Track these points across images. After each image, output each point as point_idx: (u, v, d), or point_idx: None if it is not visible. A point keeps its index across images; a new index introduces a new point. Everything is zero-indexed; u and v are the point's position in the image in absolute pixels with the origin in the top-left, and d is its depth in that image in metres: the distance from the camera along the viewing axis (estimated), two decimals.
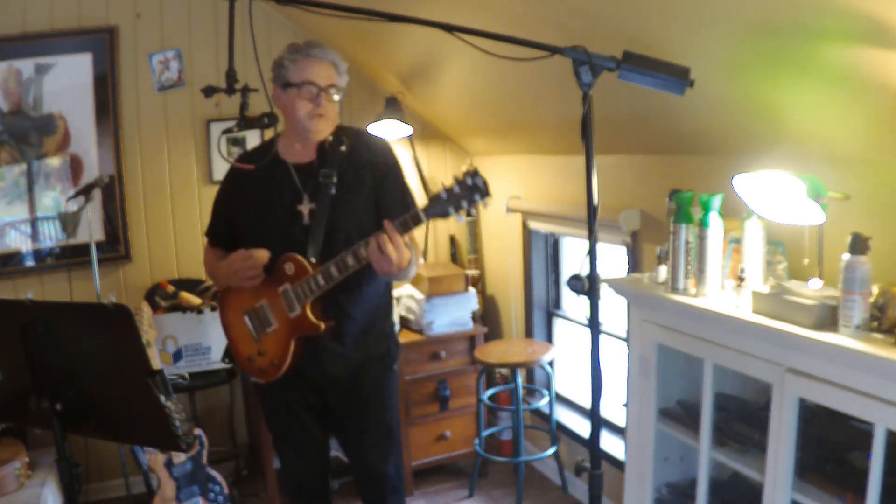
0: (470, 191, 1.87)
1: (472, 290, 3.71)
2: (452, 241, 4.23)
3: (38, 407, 1.68)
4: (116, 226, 3.55)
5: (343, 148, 2.18)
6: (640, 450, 2.35)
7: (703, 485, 2.10)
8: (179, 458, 2.88)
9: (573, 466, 3.47)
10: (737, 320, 1.89)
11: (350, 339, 2.24)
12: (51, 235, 3.47)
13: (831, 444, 1.79)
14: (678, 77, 1.56)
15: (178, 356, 3.26)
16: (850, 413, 1.64)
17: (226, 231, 2.33)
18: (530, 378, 3.87)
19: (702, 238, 2.08)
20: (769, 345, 1.82)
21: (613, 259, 3.20)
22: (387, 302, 2.38)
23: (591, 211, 1.57)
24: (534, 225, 3.70)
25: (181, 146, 3.65)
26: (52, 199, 3.45)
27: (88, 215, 3.22)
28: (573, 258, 3.71)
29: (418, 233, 2.10)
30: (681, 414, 2.26)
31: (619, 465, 2.97)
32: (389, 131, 3.78)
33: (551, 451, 3.40)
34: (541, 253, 3.79)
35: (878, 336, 1.63)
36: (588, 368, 1.63)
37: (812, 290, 1.83)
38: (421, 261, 2.27)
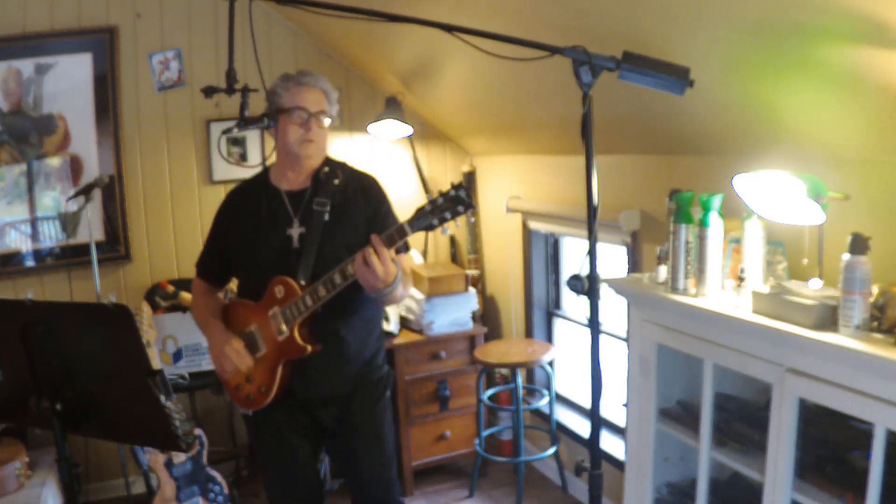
0: (454, 203, 1.89)
1: (472, 290, 3.71)
2: (452, 241, 4.23)
3: (38, 407, 1.68)
4: (116, 226, 3.55)
5: (337, 181, 2.24)
6: (640, 450, 2.35)
7: (703, 485, 2.10)
8: (179, 458, 2.88)
9: (573, 466, 3.47)
10: (737, 320, 1.89)
11: (344, 362, 2.24)
12: (51, 235, 3.47)
13: (831, 444, 1.79)
14: (678, 77, 1.56)
15: (178, 356, 3.26)
16: (850, 413, 1.64)
17: (217, 265, 2.38)
18: (530, 378, 3.87)
19: (702, 238, 2.08)
20: (769, 345, 1.82)
21: (613, 259, 3.20)
22: (379, 328, 2.38)
23: (591, 211, 1.57)
24: (534, 225, 3.70)
25: (181, 146, 3.65)
26: (52, 199, 3.45)
27: (88, 215, 3.22)
28: (573, 258, 3.71)
29: (419, 234, 2.11)
30: (681, 414, 2.26)
31: (619, 465, 2.97)
32: (389, 131, 3.78)
33: (551, 451, 3.40)
34: (541, 253, 3.79)
35: (878, 336, 1.63)
36: (588, 368, 1.63)
37: (812, 290, 1.83)
38: (410, 288, 2.29)
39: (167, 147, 3.64)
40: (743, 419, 2.04)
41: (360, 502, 2.37)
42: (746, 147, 2.27)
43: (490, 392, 3.70)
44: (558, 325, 3.81)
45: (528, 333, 3.83)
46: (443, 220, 1.91)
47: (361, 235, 2.18)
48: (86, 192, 3.14)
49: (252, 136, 3.71)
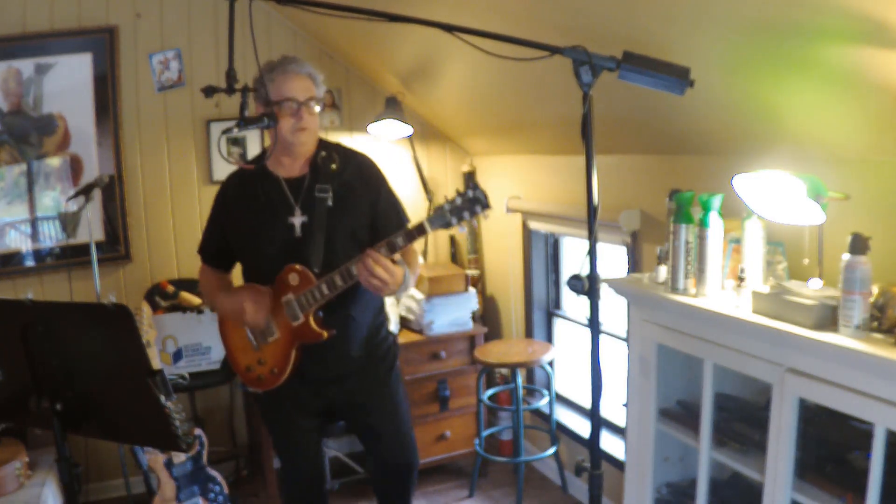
0: (471, 202, 1.99)
1: (472, 290, 3.71)
2: (452, 241, 4.23)
3: (38, 407, 1.68)
4: (116, 226, 3.55)
5: (334, 165, 2.27)
6: (640, 450, 2.35)
7: (703, 485, 2.10)
8: (179, 458, 2.88)
9: (573, 466, 3.46)
10: (737, 320, 1.89)
11: (355, 342, 2.32)
12: (51, 235, 3.47)
13: (831, 444, 1.79)
14: (678, 77, 1.56)
15: (178, 356, 3.26)
16: (850, 413, 1.64)
17: (219, 250, 2.41)
18: (530, 378, 3.87)
19: (702, 238, 2.08)
20: (769, 345, 1.82)
21: (613, 259, 3.20)
22: (381, 301, 2.46)
23: (591, 211, 1.57)
24: (534, 225, 3.70)
25: (181, 146, 3.65)
26: (52, 199, 3.45)
27: (88, 215, 3.22)
28: (573, 258, 3.71)
29: None
30: (681, 414, 2.26)
31: (619, 465, 2.97)
32: (389, 131, 3.78)
33: (551, 451, 3.40)
34: (541, 253, 3.79)
35: (878, 336, 1.63)
36: (588, 368, 1.63)
37: (812, 290, 1.83)
38: (420, 262, 2.37)
39: (167, 147, 3.64)
40: (743, 419, 2.04)
41: (383, 468, 2.49)
42: (746, 147, 2.27)
43: (490, 392, 3.70)
44: (558, 325, 3.81)
45: (528, 333, 3.83)
46: (461, 219, 2.00)
47: (366, 220, 2.27)
48: (86, 192, 3.14)
49: (252, 136, 3.71)
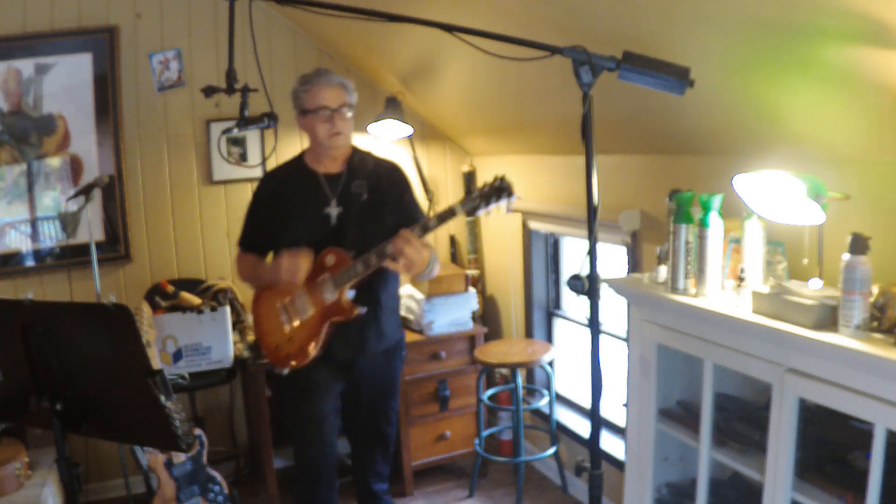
0: (498, 191, 2.23)
1: (472, 290, 3.71)
2: (452, 241, 4.23)
3: (38, 407, 1.68)
4: (116, 226, 3.55)
5: (369, 165, 2.56)
6: (640, 450, 2.35)
7: (703, 485, 2.10)
8: (179, 458, 2.88)
9: (573, 466, 3.47)
10: (737, 320, 1.89)
11: (380, 323, 2.54)
12: (51, 235, 3.47)
13: (831, 444, 1.79)
14: (678, 77, 1.56)
15: (178, 356, 3.26)
16: (850, 413, 1.64)
17: (261, 238, 2.59)
18: (530, 378, 3.87)
19: (702, 238, 2.08)
20: (769, 345, 1.82)
21: (613, 259, 3.20)
22: (399, 296, 2.71)
23: (591, 211, 1.57)
24: (534, 225, 3.70)
25: (181, 146, 3.65)
26: (52, 199, 3.45)
27: (88, 215, 3.22)
28: (573, 258, 3.71)
29: None
30: (681, 414, 2.26)
31: (619, 465, 2.97)
32: (389, 131, 3.78)
33: (551, 451, 3.40)
34: (541, 253, 3.79)
35: (878, 336, 1.63)
36: (588, 368, 1.63)
37: (812, 290, 1.83)
38: (438, 265, 2.59)
39: (167, 147, 3.64)
40: (743, 419, 2.04)
41: (365, 435, 2.67)
42: (746, 147, 2.27)
43: (490, 392, 3.70)
44: (558, 325, 3.81)
45: (528, 333, 3.83)
46: (487, 205, 2.23)
47: (392, 217, 2.50)
48: (86, 192, 3.14)
49: (252, 136, 3.71)
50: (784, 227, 2.00)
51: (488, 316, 4.15)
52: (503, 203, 2.24)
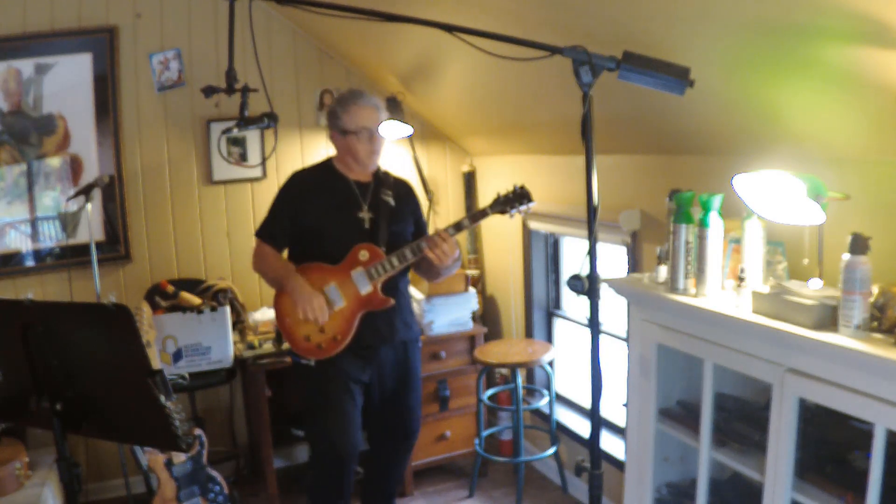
0: (520, 197, 2.62)
1: (472, 290, 3.71)
2: None
3: (38, 407, 1.68)
4: (116, 226, 3.55)
5: (391, 180, 2.80)
6: (640, 450, 2.35)
7: (703, 485, 2.10)
8: (179, 458, 2.88)
9: (573, 466, 3.47)
10: (737, 320, 1.89)
11: (404, 316, 2.75)
12: (51, 235, 3.47)
13: (831, 444, 1.79)
14: (678, 77, 1.56)
15: (178, 356, 3.26)
16: (850, 413, 1.64)
17: (286, 230, 2.69)
18: (530, 378, 3.87)
19: (702, 238, 2.08)
20: (769, 345, 1.82)
21: (613, 259, 3.20)
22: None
23: (591, 211, 1.57)
24: (534, 225, 3.70)
25: (181, 146, 3.65)
26: (52, 199, 3.45)
27: (88, 215, 3.22)
28: (573, 258, 3.71)
29: None
30: (681, 414, 2.26)
31: (619, 465, 2.97)
32: (389, 131, 3.78)
33: (551, 451, 3.40)
34: (541, 253, 3.79)
35: (878, 336, 1.63)
36: (588, 368, 1.63)
37: (812, 290, 1.83)
38: (459, 263, 2.75)
39: (167, 147, 3.64)
40: (743, 419, 2.04)
41: (395, 432, 2.82)
42: (746, 147, 2.27)
43: (490, 392, 3.70)
44: (558, 325, 3.81)
45: (528, 333, 3.83)
46: (513, 208, 2.61)
47: (411, 225, 2.79)
48: (86, 192, 3.14)
49: (252, 136, 3.71)
50: (784, 227, 2.00)
51: (488, 316, 4.15)
52: (524, 208, 2.61)
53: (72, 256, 3.44)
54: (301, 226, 2.66)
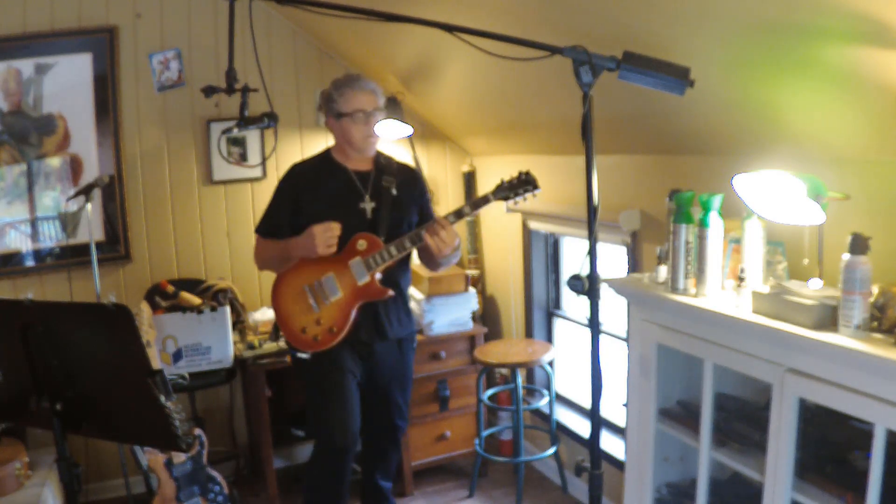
0: (525, 183, 2.49)
1: (472, 290, 3.71)
2: None
3: (38, 407, 1.68)
4: (116, 226, 3.55)
5: (394, 166, 2.72)
6: (640, 450, 2.35)
7: (703, 485, 2.10)
8: (179, 458, 2.88)
9: (573, 466, 3.47)
10: (737, 320, 1.89)
11: (401, 310, 2.72)
12: (51, 235, 3.47)
13: (831, 444, 1.79)
14: (678, 77, 1.56)
15: (178, 356, 3.26)
16: (850, 413, 1.64)
17: (286, 222, 2.65)
18: (530, 378, 3.87)
19: (702, 238, 2.08)
20: (769, 345, 1.82)
21: (613, 259, 3.20)
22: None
23: (591, 211, 1.57)
24: (534, 225, 3.70)
25: (181, 146, 3.65)
26: (52, 199, 3.45)
27: (88, 215, 3.22)
28: (573, 258, 3.71)
29: None
30: (681, 414, 2.26)
31: (619, 465, 2.97)
32: (389, 131, 3.78)
33: (551, 451, 3.40)
34: (541, 253, 3.79)
35: (878, 336, 1.63)
36: (588, 368, 1.63)
37: (812, 290, 1.83)
38: (459, 254, 2.72)
39: (167, 147, 3.64)
40: (743, 419, 2.04)
41: (378, 427, 2.81)
42: (746, 147, 2.27)
43: (490, 392, 3.70)
44: (558, 325, 3.81)
45: (528, 333, 3.83)
46: (517, 195, 2.49)
47: (415, 212, 2.72)
48: (86, 192, 3.14)
49: (252, 136, 3.71)
50: (784, 227, 2.00)
51: (488, 316, 4.15)
52: (528, 195, 2.49)
53: (72, 256, 3.45)
54: (302, 221, 2.60)
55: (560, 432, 3.54)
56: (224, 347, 3.30)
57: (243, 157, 3.73)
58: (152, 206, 3.63)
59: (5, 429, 2.98)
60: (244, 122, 1.99)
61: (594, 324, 1.60)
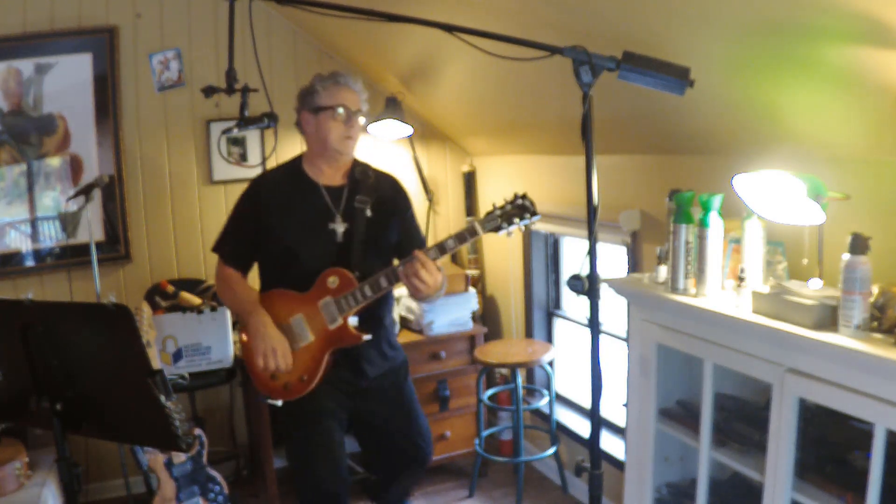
0: (520, 209, 2.19)
1: (472, 290, 3.71)
2: None
3: (38, 407, 1.68)
4: (116, 226, 3.55)
5: (370, 180, 2.40)
6: (640, 450, 2.35)
7: (703, 485, 2.10)
8: (179, 458, 2.88)
9: (573, 466, 3.47)
10: (737, 320, 1.89)
11: (385, 347, 2.43)
12: (51, 235, 3.47)
13: (831, 444, 1.79)
14: (678, 77, 1.56)
15: (178, 356, 3.26)
16: (850, 413, 1.64)
17: (245, 250, 2.41)
18: (530, 378, 3.87)
19: (702, 238, 2.08)
20: (769, 345, 1.82)
21: (613, 259, 3.20)
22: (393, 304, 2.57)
23: (591, 211, 1.57)
24: (534, 225, 3.69)
25: (181, 146, 3.65)
26: (52, 199, 3.45)
27: (88, 215, 3.22)
28: (573, 258, 3.71)
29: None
30: (681, 414, 2.26)
31: (619, 465, 2.97)
32: (389, 131, 3.78)
33: (551, 451, 3.40)
34: (541, 253, 3.79)
35: (878, 336, 1.63)
36: (588, 368, 1.63)
37: (812, 290, 1.83)
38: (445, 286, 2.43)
39: (167, 147, 3.64)
40: (743, 419, 2.04)
41: (405, 456, 2.52)
42: (746, 147, 2.27)
43: (490, 392, 3.70)
44: (558, 325, 3.81)
45: (528, 333, 3.83)
46: (510, 224, 2.18)
47: (395, 235, 2.40)
48: (86, 192, 3.14)
49: (252, 136, 3.71)
50: (784, 227, 2.00)
51: (488, 316, 4.15)
52: (525, 223, 2.19)
53: (72, 256, 3.44)
54: (267, 244, 2.35)
55: (560, 432, 3.54)
56: (224, 347, 3.29)
57: (243, 158, 3.73)
58: (152, 206, 3.63)
59: (5, 429, 2.98)
60: (244, 122, 1.99)
61: (594, 324, 1.60)
